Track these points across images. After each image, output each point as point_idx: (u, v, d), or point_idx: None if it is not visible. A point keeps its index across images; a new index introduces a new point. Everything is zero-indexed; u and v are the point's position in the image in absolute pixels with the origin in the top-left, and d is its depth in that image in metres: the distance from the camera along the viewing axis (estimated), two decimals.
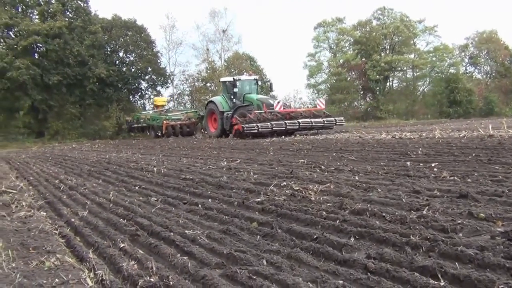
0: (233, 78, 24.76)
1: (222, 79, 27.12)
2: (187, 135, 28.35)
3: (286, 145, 14.44)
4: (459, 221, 3.96)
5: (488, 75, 54.20)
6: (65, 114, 37.14)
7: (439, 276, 2.89)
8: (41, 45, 35.12)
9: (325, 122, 21.75)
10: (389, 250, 3.44)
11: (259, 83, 26.71)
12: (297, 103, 51.43)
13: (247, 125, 19.72)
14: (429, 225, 3.96)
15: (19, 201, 6.41)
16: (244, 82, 24.97)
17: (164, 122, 28.43)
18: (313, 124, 21.29)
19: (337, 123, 22.37)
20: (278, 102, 22.24)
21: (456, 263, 3.09)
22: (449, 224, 3.90)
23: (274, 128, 20.05)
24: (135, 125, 32.94)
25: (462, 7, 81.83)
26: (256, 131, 19.61)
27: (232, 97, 23.89)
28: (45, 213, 5.98)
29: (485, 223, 3.92)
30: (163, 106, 34.23)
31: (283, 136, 20.47)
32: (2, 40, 35.17)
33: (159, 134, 28.83)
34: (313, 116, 21.90)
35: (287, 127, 20.38)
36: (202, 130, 27.97)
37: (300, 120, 20.85)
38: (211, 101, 25.62)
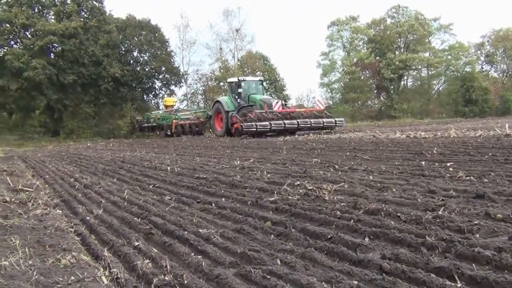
0: (238, 79, 25.55)
1: (229, 80, 27.98)
2: (196, 134, 29.11)
3: (300, 144, 14.40)
4: (475, 222, 3.91)
5: (505, 74, 53.47)
6: (80, 114, 37.58)
7: (456, 277, 2.85)
8: (57, 45, 35.55)
9: (325, 123, 22.13)
10: (404, 250, 3.41)
11: (264, 84, 27.56)
12: (310, 102, 51.45)
13: (245, 124, 20.47)
14: (445, 225, 3.91)
15: (36, 199, 6.48)
16: (249, 82, 25.77)
17: (174, 121, 29.15)
18: (312, 124, 21.72)
19: (337, 124, 22.68)
20: (277, 103, 22.90)
21: (473, 264, 3.04)
22: (465, 224, 3.85)
23: (273, 128, 20.62)
24: (146, 125, 33.65)
25: (478, 5, 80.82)
26: (254, 129, 20.28)
27: (236, 97, 24.74)
28: (60, 211, 6.05)
29: (503, 224, 3.86)
30: (173, 106, 35.04)
31: (296, 135, 20.66)
32: (19, 40, 35.67)
33: (168, 133, 29.67)
34: (314, 116, 22.41)
35: (286, 126, 20.88)
36: (210, 130, 28.74)
37: (299, 120, 21.42)
38: (218, 101, 26.49)
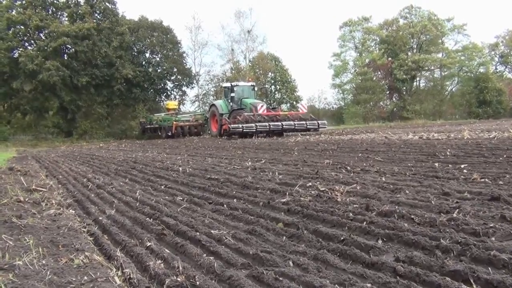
0: (231, 84, 27.56)
1: (223, 85, 30.54)
2: (195, 135, 30.78)
3: (311, 146, 14.35)
4: (491, 225, 3.84)
5: None
6: (92, 114, 38.00)
7: (472, 281, 2.81)
8: (70, 47, 35.94)
9: (308, 125, 23.84)
10: (418, 253, 3.37)
11: (256, 88, 29.44)
12: (322, 103, 51.27)
13: (232, 125, 22.21)
14: (460, 228, 3.86)
15: (49, 199, 6.53)
16: (242, 87, 27.65)
17: (174, 123, 30.53)
18: (296, 126, 23.38)
19: (320, 126, 24.37)
20: (262, 106, 24.42)
21: (489, 268, 2.99)
22: (480, 227, 3.79)
23: (258, 129, 22.27)
24: (148, 126, 34.55)
25: (492, 5, 79.87)
26: (241, 130, 22.04)
27: (230, 101, 26.53)
28: (73, 211, 6.09)
29: None
30: (174, 109, 36.15)
31: (307, 136, 20.77)
32: (33, 41, 36.09)
33: (169, 134, 30.79)
34: (299, 119, 24.14)
35: (271, 128, 22.63)
36: (208, 132, 30.37)
37: (283, 123, 23.00)
38: (213, 104, 28.41)
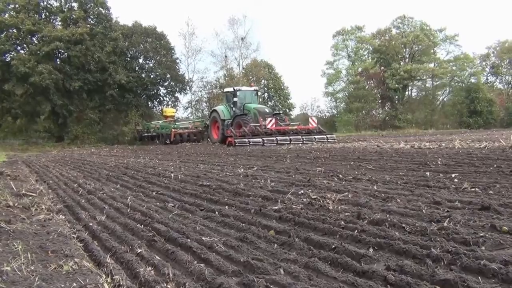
0: (233, 89, 27.06)
1: (225, 90, 29.68)
2: (193, 142, 30.10)
3: (303, 153, 14.37)
4: (481, 234, 3.87)
5: (510, 85, 53.31)
6: (84, 119, 37.81)
7: None
8: (63, 51, 35.80)
9: (316, 139, 23.10)
10: (409, 262, 3.37)
11: (259, 93, 28.98)
12: (315, 111, 51.51)
13: (239, 139, 21.74)
14: (451, 237, 3.87)
15: (39, 204, 6.48)
16: (245, 92, 27.04)
17: (173, 130, 30.06)
18: (304, 141, 22.70)
19: (328, 140, 23.44)
20: (271, 120, 23.48)
21: (479, 278, 3.01)
22: (471, 236, 3.81)
23: (265, 143, 21.48)
24: (146, 134, 34.08)
25: (484, 16, 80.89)
26: (247, 145, 21.26)
27: (232, 106, 25.98)
28: (63, 217, 6.03)
29: (509, 236, 3.82)
30: (172, 116, 35.67)
31: (300, 144, 20.79)
32: (25, 45, 35.91)
33: (167, 142, 30.26)
34: (306, 132, 23.63)
35: (278, 142, 21.88)
36: (208, 139, 29.65)
37: (291, 137, 22.47)
38: (214, 110, 27.87)
